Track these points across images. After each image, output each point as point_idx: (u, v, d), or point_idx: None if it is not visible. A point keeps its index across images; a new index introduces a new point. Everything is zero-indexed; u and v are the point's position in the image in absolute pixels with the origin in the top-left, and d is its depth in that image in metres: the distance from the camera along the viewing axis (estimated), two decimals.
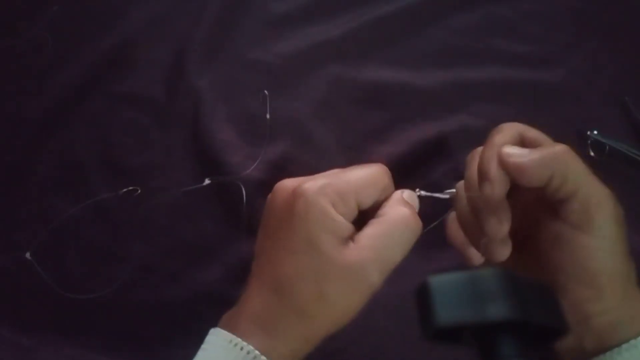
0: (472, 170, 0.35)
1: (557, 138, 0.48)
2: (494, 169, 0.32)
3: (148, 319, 0.46)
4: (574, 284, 0.31)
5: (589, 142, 0.47)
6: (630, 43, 0.50)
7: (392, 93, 0.50)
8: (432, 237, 0.45)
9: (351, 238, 0.33)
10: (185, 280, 0.47)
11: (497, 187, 0.32)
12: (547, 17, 0.52)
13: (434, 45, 0.51)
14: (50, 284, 0.46)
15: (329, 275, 0.32)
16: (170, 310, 0.46)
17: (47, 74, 0.52)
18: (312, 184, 0.33)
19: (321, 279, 0.32)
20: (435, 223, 0.45)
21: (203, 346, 0.34)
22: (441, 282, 0.26)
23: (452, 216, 0.40)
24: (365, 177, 0.34)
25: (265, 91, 0.50)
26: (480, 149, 0.35)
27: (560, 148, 0.32)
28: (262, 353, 0.31)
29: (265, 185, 0.47)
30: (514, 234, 0.34)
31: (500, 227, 0.32)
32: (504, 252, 0.33)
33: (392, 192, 0.36)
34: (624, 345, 0.30)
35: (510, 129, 0.34)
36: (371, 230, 0.33)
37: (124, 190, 0.48)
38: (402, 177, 0.45)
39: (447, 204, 0.44)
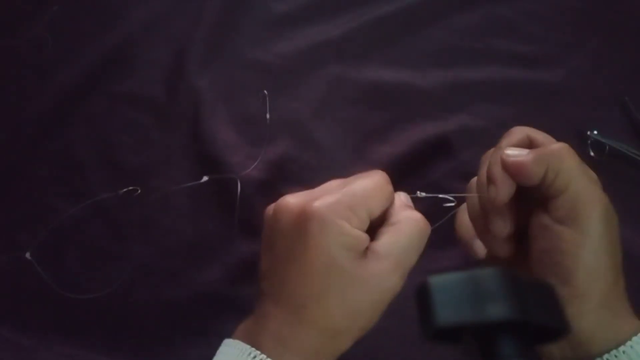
0: (483, 171, 0.36)
1: (557, 138, 0.48)
2: (498, 173, 0.34)
3: (148, 319, 0.46)
4: (552, 280, 0.31)
5: (589, 142, 0.47)
6: (630, 43, 0.50)
7: (392, 93, 0.50)
8: (432, 237, 0.45)
9: (367, 248, 0.33)
10: (185, 280, 0.47)
11: (502, 190, 0.34)
12: (547, 17, 0.52)
13: (434, 45, 0.51)
14: (50, 284, 0.46)
15: (355, 290, 0.32)
16: (170, 310, 0.46)
17: (47, 74, 0.52)
18: (322, 203, 0.32)
19: (347, 295, 0.32)
20: (437, 224, 0.45)
21: (220, 357, 0.33)
22: (441, 282, 0.26)
23: (462, 208, 0.41)
24: (371, 187, 0.34)
25: (265, 91, 0.50)
26: (492, 150, 0.37)
27: (557, 145, 0.34)
28: None
29: (265, 185, 0.47)
30: (514, 231, 0.35)
31: (504, 227, 0.35)
32: (506, 249, 0.36)
33: (393, 197, 0.37)
34: (605, 356, 0.30)
35: (518, 133, 0.36)
36: (387, 238, 0.34)
37: (124, 190, 0.48)
38: (402, 177, 0.45)
39: (448, 205, 0.44)
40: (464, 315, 0.25)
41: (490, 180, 0.34)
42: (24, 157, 0.50)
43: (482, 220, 0.37)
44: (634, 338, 0.31)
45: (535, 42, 0.51)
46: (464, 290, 0.25)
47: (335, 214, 0.32)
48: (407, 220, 0.35)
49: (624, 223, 0.45)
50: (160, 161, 0.49)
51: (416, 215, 0.35)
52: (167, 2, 0.54)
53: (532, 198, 0.35)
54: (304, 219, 0.32)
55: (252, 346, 0.32)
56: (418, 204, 0.45)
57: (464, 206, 0.40)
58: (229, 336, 0.34)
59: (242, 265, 0.46)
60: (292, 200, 0.34)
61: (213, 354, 0.33)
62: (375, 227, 0.35)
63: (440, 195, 0.40)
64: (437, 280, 0.26)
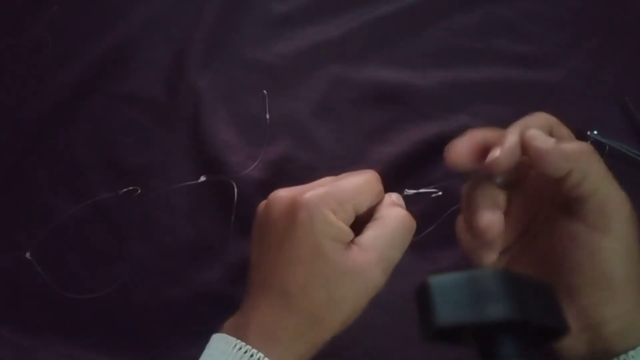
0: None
1: None
2: (512, 140, 0.32)
3: (148, 319, 0.46)
4: (588, 286, 0.31)
5: (589, 142, 0.47)
6: (630, 43, 0.50)
7: (392, 93, 0.50)
8: (432, 237, 0.45)
9: (352, 242, 0.34)
10: (185, 280, 0.47)
11: (505, 155, 0.31)
12: (547, 17, 0.52)
13: (434, 45, 0.51)
14: (50, 284, 0.46)
15: (338, 280, 0.33)
16: (170, 310, 0.46)
17: (47, 74, 0.52)
18: (312, 193, 0.34)
19: (330, 284, 0.33)
20: (435, 224, 0.45)
21: (208, 352, 0.34)
22: (441, 282, 0.26)
23: (460, 217, 0.40)
24: (361, 184, 0.36)
25: (264, 91, 0.50)
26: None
27: (584, 145, 0.32)
28: (271, 359, 0.32)
29: (265, 185, 0.47)
30: (523, 231, 0.35)
31: (492, 218, 0.32)
32: (489, 257, 0.35)
33: (383, 196, 0.38)
34: (631, 352, 0.30)
35: (543, 118, 0.35)
36: (372, 232, 0.35)
37: (124, 190, 0.48)
38: (402, 177, 0.45)
39: (447, 205, 0.44)
40: (464, 315, 0.25)
41: (498, 143, 0.32)
42: (24, 157, 0.50)
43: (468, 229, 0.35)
44: None
45: (535, 42, 0.51)
46: (464, 290, 0.25)
47: (323, 205, 0.33)
48: (392, 216, 0.36)
49: None
50: (160, 161, 0.49)
51: (401, 212, 0.36)
52: (167, 2, 0.54)
53: (544, 196, 0.34)
54: (293, 209, 0.34)
55: (238, 338, 0.33)
56: (416, 204, 0.45)
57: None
58: None
59: (242, 265, 0.46)
60: (284, 193, 0.35)
61: None
62: (362, 223, 0.36)
63: (423, 190, 0.41)
64: (437, 280, 0.26)
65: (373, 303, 0.45)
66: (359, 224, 0.36)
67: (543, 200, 0.35)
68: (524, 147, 0.32)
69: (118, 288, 0.46)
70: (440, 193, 0.41)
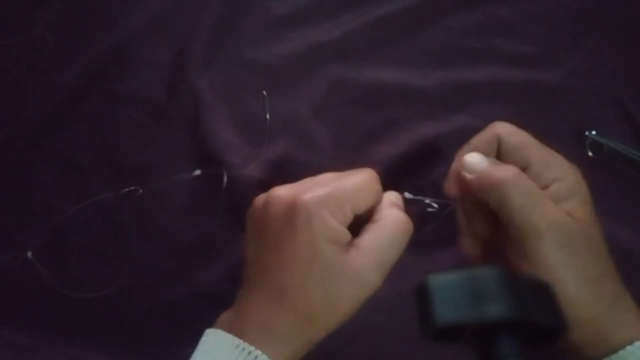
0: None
1: (557, 138, 0.48)
2: (453, 168, 0.37)
3: (148, 318, 0.46)
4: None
5: (588, 142, 0.47)
6: (630, 43, 0.50)
7: (392, 93, 0.50)
8: (432, 237, 0.45)
9: (350, 243, 0.35)
10: (186, 280, 0.47)
11: (449, 186, 0.37)
12: (547, 17, 0.52)
13: (434, 45, 0.51)
14: (51, 284, 0.46)
15: (335, 281, 0.33)
16: (170, 310, 0.46)
17: (47, 74, 0.52)
18: (311, 196, 0.34)
19: (327, 285, 0.33)
20: (435, 223, 0.45)
21: (203, 347, 0.34)
22: (441, 282, 0.26)
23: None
24: (359, 185, 0.36)
25: (264, 91, 0.50)
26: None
27: (500, 175, 0.33)
28: (269, 357, 0.32)
29: (265, 185, 0.47)
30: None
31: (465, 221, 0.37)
32: (469, 247, 0.38)
33: (382, 196, 0.38)
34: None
35: (490, 133, 0.37)
36: (370, 235, 0.35)
37: (125, 190, 0.48)
38: (401, 177, 0.45)
39: (446, 205, 0.44)
40: (463, 314, 0.25)
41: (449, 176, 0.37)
42: (24, 156, 0.50)
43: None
44: (628, 347, 0.31)
45: (535, 42, 0.51)
46: (463, 290, 0.25)
47: (322, 207, 0.33)
48: (391, 219, 0.36)
49: (622, 223, 0.45)
50: (160, 161, 0.49)
51: (400, 215, 0.36)
52: (167, 2, 0.54)
53: None
54: (293, 211, 0.34)
55: (234, 334, 0.33)
56: (416, 204, 0.45)
57: None
58: None
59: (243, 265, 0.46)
60: (283, 192, 0.35)
61: None
62: (361, 223, 0.36)
63: (421, 199, 0.42)
64: (436, 280, 0.26)
65: (373, 303, 0.45)
66: (358, 222, 0.36)
67: None
68: (451, 177, 0.37)
69: (118, 288, 0.46)
70: (436, 207, 0.42)
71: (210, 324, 0.36)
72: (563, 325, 0.27)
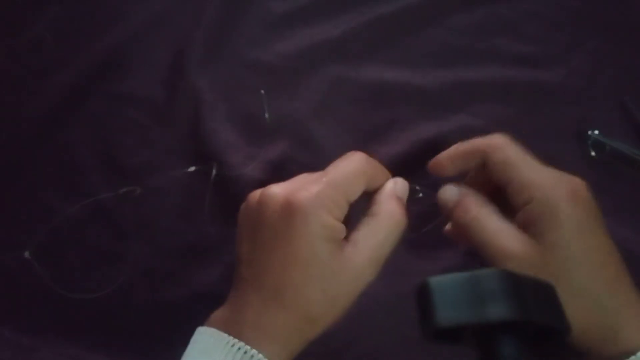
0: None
1: (557, 138, 0.49)
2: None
3: (148, 319, 0.46)
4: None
5: (589, 142, 0.47)
6: (630, 43, 0.50)
7: (392, 93, 0.50)
8: (432, 237, 0.45)
9: (346, 238, 0.35)
10: (185, 280, 0.47)
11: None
12: (547, 17, 0.52)
13: (434, 45, 0.51)
14: (50, 284, 0.46)
15: (332, 280, 0.33)
16: (170, 310, 0.46)
17: (47, 74, 0.52)
18: (306, 195, 0.34)
19: (325, 284, 0.33)
20: (434, 223, 0.45)
21: (197, 346, 0.34)
22: (441, 282, 0.26)
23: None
24: (350, 173, 0.36)
25: (262, 91, 0.50)
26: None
27: (462, 220, 0.36)
28: (265, 356, 0.32)
29: (265, 184, 0.47)
30: None
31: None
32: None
33: (383, 178, 0.38)
34: None
35: (471, 146, 0.38)
36: (365, 231, 0.36)
37: (124, 190, 0.48)
38: (401, 177, 0.45)
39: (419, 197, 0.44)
40: (464, 315, 0.25)
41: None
42: (24, 156, 0.50)
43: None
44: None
45: (535, 42, 0.51)
46: (464, 291, 0.25)
47: (319, 206, 0.33)
48: (386, 214, 0.36)
49: (624, 223, 0.45)
50: (160, 161, 0.49)
51: (395, 210, 0.36)
52: (167, 2, 0.54)
53: None
54: (288, 211, 0.34)
55: (229, 334, 0.33)
56: (416, 204, 0.45)
57: None
58: None
59: None
60: (278, 190, 0.35)
61: None
62: (359, 203, 0.37)
63: (417, 187, 0.43)
64: (437, 281, 0.26)
65: (373, 303, 0.45)
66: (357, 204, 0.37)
67: None
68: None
69: (118, 288, 0.46)
70: (420, 195, 0.43)
71: None
72: (564, 326, 0.27)
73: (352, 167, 0.36)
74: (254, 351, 0.32)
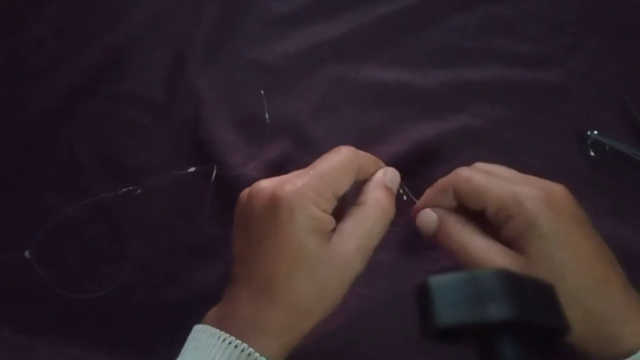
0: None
1: (557, 138, 0.48)
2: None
3: (148, 319, 0.46)
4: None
5: (589, 142, 0.47)
6: (630, 43, 0.50)
7: (392, 93, 0.50)
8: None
9: (333, 229, 0.35)
10: (185, 280, 0.47)
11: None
12: (547, 16, 0.52)
13: (434, 45, 0.51)
14: (49, 284, 0.46)
15: (321, 271, 0.34)
16: (170, 310, 0.46)
17: (47, 74, 0.52)
18: (291, 188, 0.34)
19: (314, 275, 0.33)
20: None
21: (191, 343, 0.34)
22: (441, 282, 0.26)
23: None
24: (337, 167, 0.36)
25: (262, 91, 0.50)
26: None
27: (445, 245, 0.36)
28: (257, 351, 0.32)
29: None
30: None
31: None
32: None
33: (373, 168, 0.39)
34: None
35: (444, 182, 0.38)
36: (352, 220, 0.36)
37: (124, 190, 0.48)
38: (401, 176, 0.45)
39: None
40: (464, 315, 0.25)
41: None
42: (24, 156, 0.50)
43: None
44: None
45: (535, 42, 0.51)
46: (464, 291, 0.25)
47: (304, 199, 0.34)
48: (373, 203, 0.37)
49: (623, 223, 0.45)
50: (160, 161, 0.49)
51: (383, 199, 0.37)
52: (167, 2, 0.54)
53: None
54: (274, 204, 0.34)
55: (222, 330, 0.33)
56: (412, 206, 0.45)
57: None
58: None
59: None
60: (265, 184, 0.36)
61: None
62: (350, 194, 0.37)
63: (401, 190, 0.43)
64: (437, 281, 0.26)
65: (373, 303, 0.45)
66: (349, 197, 0.37)
67: None
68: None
69: (118, 288, 0.46)
70: (405, 198, 0.43)
71: None
72: (564, 326, 0.27)
73: (338, 160, 0.36)
74: (244, 345, 0.32)
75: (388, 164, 0.47)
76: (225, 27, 0.53)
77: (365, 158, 0.38)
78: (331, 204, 0.35)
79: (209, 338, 0.33)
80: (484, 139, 0.48)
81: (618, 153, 0.46)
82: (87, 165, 0.50)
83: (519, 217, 0.33)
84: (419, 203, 0.40)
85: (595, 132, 0.47)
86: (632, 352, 0.31)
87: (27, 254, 0.47)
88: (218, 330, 0.33)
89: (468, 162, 0.47)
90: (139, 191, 0.48)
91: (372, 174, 0.39)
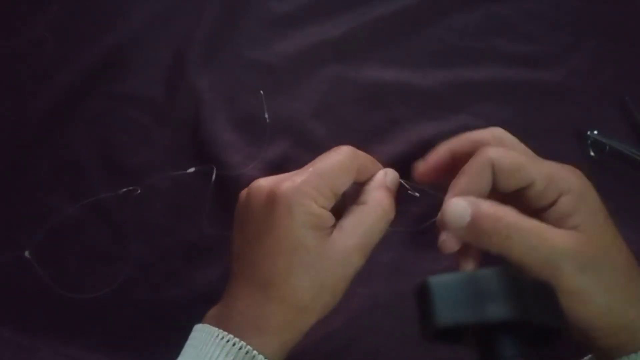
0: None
1: (557, 138, 0.48)
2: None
3: (148, 319, 0.46)
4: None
5: (589, 142, 0.47)
6: (630, 43, 0.50)
7: (392, 93, 0.50)
8: (431, 237, 0.45)
9: (333, 226, 0.35)
10: (185, 280, 0.47)
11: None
12: (547, 17, 0.52)
13: (434, 45, 0.51)
14: (49, 284, 0.46)
15: (319, 267, 0.33)
16: (169, 310, 0.46)
17: (47, 74, 0.52)
18: (289, 184, 0.34)
19: (312, 271, 0.33)
20: (432, 220, 0.45)
21: (191, 342, 0.34)
22: (441, 282, 0.26)
23: None
24: (336, 165, 0.36)
25: (261, 91, 0.50)
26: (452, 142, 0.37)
27: (495, 225, 0.31)
28: (255, 348, 0.32)
29: None
30: None
31: (445, 238, 0.35)
32: (466, 264, 0.36)
33: (374, 169, 0.39)
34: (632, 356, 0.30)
35: (479, 162, 0.34)
36: (352, 218, 0.36)
37: (124, 190, 0.48)
38: (402, 177, 0.45)
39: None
40: (464, 315, 0.25)
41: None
42: (24, 156, 0.50)
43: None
44: None
45: (535, 42, 0.51)
46: (464, 290, 0.25)
47: (302, 195, 0.34)
48: (373, 202, 0.36)
49: (624, 223, 0.45)
50: (160, 161, 0.49)
51: (384, 199, 0.37)
52: (167, 2, 0.54)
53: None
54: (272, 201, 0.34)
55: (220, 328, 0.33)
56: (416, 204, 0.45)
57: None
58: None
59: None
60: (263, 182, 0.36)
61: None
62: (351, 194, 0.37)
63: (407, 185, 0.42)
64: (437, 281, 0.26)
65: (373, 303, 0.45)
66: (350, 199, 0.37)
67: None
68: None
69: (117, 288, 0.46)
70: (417, 195, 0.42)
71: None
72: (564, 326, 0.27)
73: (338, 158, 0.36)
74: (242, 343, 0.32)
75: (388, 164, 0.48)
76: (225, 27, 0.53)
77: (365, 158, 0.38)
78: (330, 202, 0.35)
79: (208, 337, 0.33)
80: None
81: (618, 153, 0.46)
82: (87, 165, 0.50)
83: (573, 192, 0.32)
84: (450, 194, 0.34)
85: (595, 132, 0.47)
86: None
87: (27, 254, 0.47)
88: (217, 329, 0.33)
89: None
90: (139, 191, 0.48)
91: (372, 176, 0.38)
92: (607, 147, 0.46)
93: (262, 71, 0.51)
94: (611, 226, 0.33)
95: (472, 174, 0.34)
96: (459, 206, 0.32)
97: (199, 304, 0.46)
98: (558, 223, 0.32)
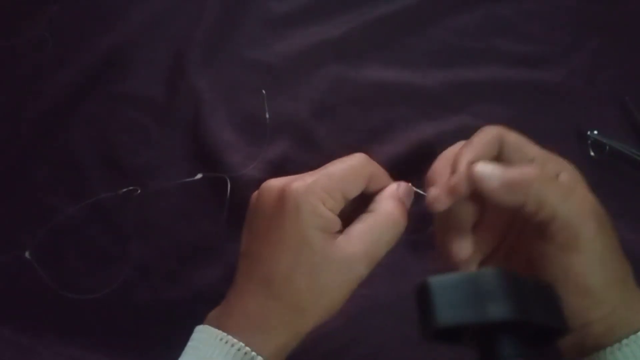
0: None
1: (557, 138, 0.48)
2: (461, 187, 0.32)
3: (148, 319, 0.46)
4: (570, 296, 0.31)
5: (589, 142, 0.47)
6: (630, 43, 0.50)
7: (392, 93, 0.50)
8: (432, 237, 0.45)
9: (340, 231, 0.35)
10: (185, 280, 0.47)
11: (445, 196, 0.32)
12: (547, 16, 0.52)
13: (434, 45, 0.51)
14: (50, 284, 0.46)
15: (322, 269, 0.33)
16: (169, 310, 0.46)
17: (47, 74, 0.52)
18: (300, 183, 0.34)
19: (314, 273, 0.33)
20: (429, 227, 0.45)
21: (191, 343, 0.34)
22: (441, 282, 0.26)
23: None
24: (348, 169, 0.36)
25: (263, 91, 0.50)
26: (451, 150, 0.36)
27: (530, 174, 0.31)
28: (253, 349, 0.32)
29: None
30: (502, 238, 0.35)
31: (464, 249, 0.34)
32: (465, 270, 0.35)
33: (386, 181, 0.38)
34: (624, 341, 0.30)
35: (490, 135, 0.34)
36: (361, 225, 0.35)
37: (124, 190, 0.48)
38: (402, 177, 0.45)
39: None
40: (464, 315, 0.25)
41: (450, 191, 0.32)
42: (24, 156, 0.50)
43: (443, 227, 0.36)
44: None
45: (535, 42, 0.51)
46: (464, 291, 0.25)
47: (311, 195, 0.33)
48: (384, 212, 0.36)
49: (624, 223, 0.45)
50: (160, 161, 0.49)
51: (393, 208, 0.36)
52: (167, 2, 0.54)
53: (517, 218, 0.34)
54: (281, 200, 0.34)
55: (220, 328, 0.33)
56: (416, 204, 0.45)
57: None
58: None
59: None
60: (274, 182, 0.36)
61: None
62: (361, 206, 0.36)
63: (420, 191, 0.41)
64: (437, 281, 0.26)
65: (373, 303, 0.45)
66: (358, 207, 0.36)
67: (514, 214, 0.34)
68: (473, 184, 0.31)
69: (118, 288, 0.46)
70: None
71: None
72: (564, 326, 0.27)
73: (351, 163, 0.36)
74: (240, 344, 0.32)
75: (388, 164, 0.47)
76: (225, 27, 0.53)
77: (378, 169, 0.38)
78: (339, 205, 0.35)
79: (208, 338, 0.33)
80: None
81: (618, 153, 0.46)
82: (87, 165, 0.50)
83: (569, 171, 0.33)
84: (463, 160, 0.33)
85: (595, 132, 0.47)
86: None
87: (27, 254, 0.47)
88: (216, 330, 0.33)
89: None
90: (139, 191, 0.48)
91: (383, 187, 0.38)
92: (607, 147, 0.46)
93: (262, 71, 0.51)
94: (604, 212, 0.33)
95: (482, 144, 0.34)
96: (488, 167, 0.32)
97: (199, 305, 0.45)
98: None
